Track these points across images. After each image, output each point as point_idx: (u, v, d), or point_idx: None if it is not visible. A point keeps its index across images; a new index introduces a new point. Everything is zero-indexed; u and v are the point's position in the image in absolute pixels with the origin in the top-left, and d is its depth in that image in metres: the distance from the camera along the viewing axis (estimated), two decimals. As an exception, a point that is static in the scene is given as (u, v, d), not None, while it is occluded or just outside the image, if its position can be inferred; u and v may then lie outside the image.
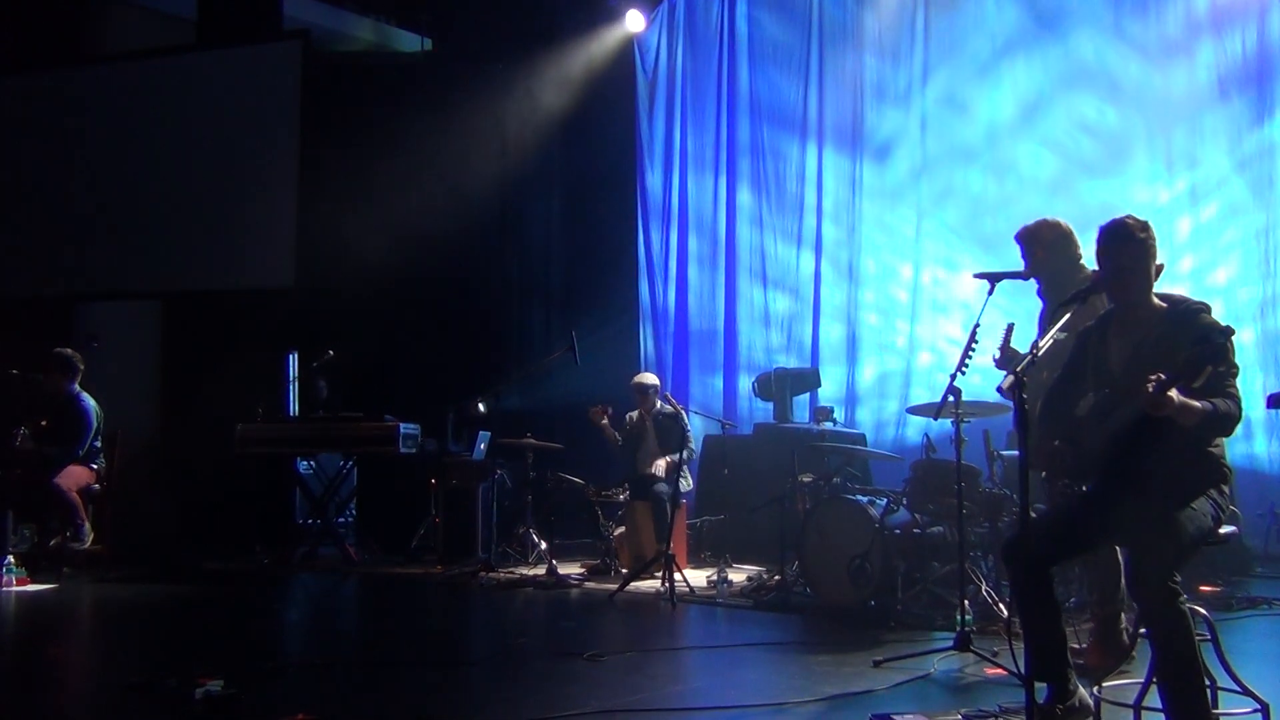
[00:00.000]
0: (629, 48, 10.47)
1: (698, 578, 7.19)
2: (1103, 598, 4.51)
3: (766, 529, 7.03)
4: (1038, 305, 4.88)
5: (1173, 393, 3.09)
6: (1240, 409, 3.32)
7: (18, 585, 6.88)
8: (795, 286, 9.45)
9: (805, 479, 6.77)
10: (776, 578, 6.60)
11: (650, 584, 6.89)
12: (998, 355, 4.66)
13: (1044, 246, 4.75)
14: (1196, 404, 3.18)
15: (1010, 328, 4.72)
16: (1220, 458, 3.47)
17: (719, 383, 9.84)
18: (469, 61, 10.71)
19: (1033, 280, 4.83)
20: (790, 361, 9.24)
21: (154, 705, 3.95)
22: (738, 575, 7.25)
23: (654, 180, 10.42)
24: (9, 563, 6.97)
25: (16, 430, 7.82)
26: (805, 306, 9.39)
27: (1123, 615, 4.41)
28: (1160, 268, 3.51)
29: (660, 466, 7.78)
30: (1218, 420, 3.25)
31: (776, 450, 7.71)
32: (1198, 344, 3.15)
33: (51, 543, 7.68)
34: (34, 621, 6.21)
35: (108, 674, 4.82)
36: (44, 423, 7.78)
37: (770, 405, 8.85)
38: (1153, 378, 3.09)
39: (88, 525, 7.68)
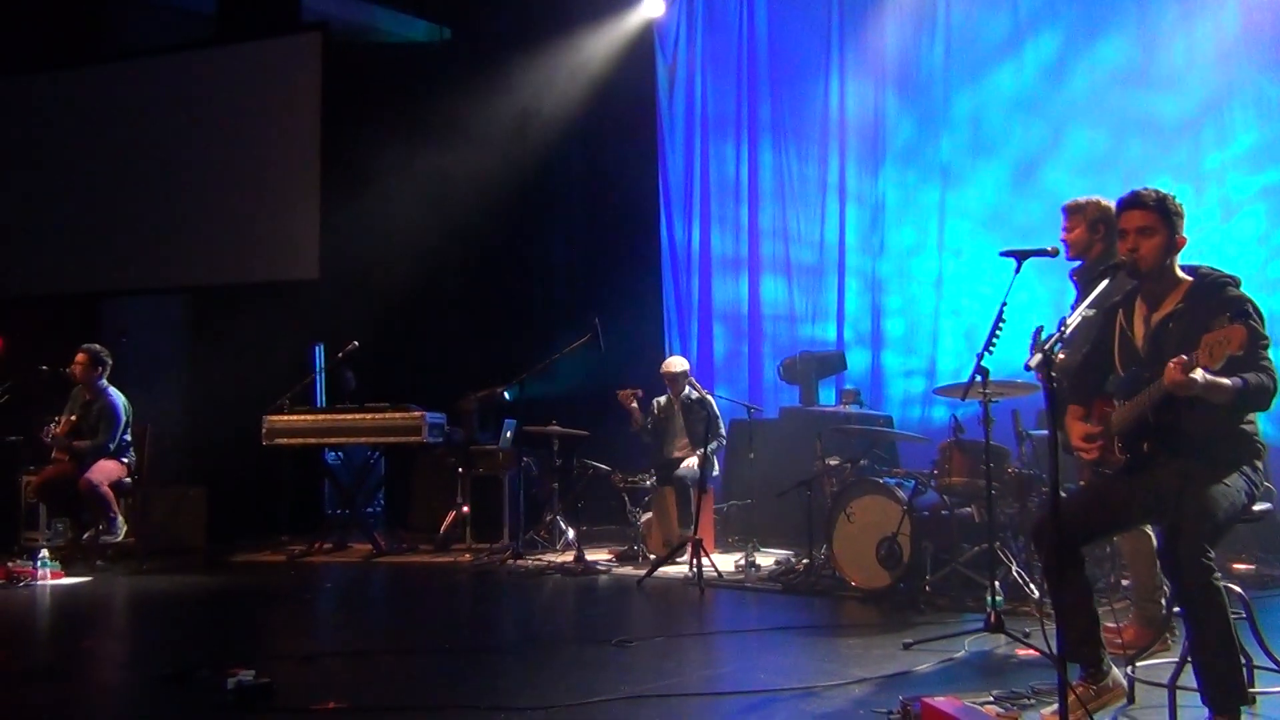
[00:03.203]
0: (648, 33, 10.43)
1: (725, 562, 7.18)
2: (1138, 577, 4.47)
3: (794, 513, 7.01)
4: (1059, 284, 4.82)
5: (1197, 372, 3.04)
6: (1276, 382, 3.26)
7: (52, 578, 6.97)
8: (820, 268, 9.39)
9: (832, 462, 6.75)
10: (804, 561, 6.58)
11: (678, 569, 6.89)
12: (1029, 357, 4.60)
13: (1087, 224, 4.67)
14: (1225, 381, 3.12)
15: (1039, 330, 4.66)
16: (1253, 434, 3.41)
17: (744, 366, 9.81)
18: (487, 50, 10.70)
19: (1061, 258, 4.77)
20: (815, 344, 9.19)
21: (187, 695, 3.98)
22: (765, 559, 7.25)
23: (675, 165, 10.37)
24: (43, 556, 7.05)
25: (47, 426, 7.91)
26: (830, 288, 9.33)
27: (1161, 598, 4.36)
28: (1183, 241, 3.45)
29: (692, 463, 7.75)
30: (1249, 396, 3.19)
31: (803, 434, 7.68)
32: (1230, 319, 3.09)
33: (85, 536, 7.76)
34: (69, 614, 6.28)
35: (141, 665, 4.86)
36: (74, 418, 7.86)
37: (796, 389, 8.82)
38: (1175, 360, 3.04)
39: (120, 518, 7.76)
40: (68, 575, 7.13)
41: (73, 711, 4.03)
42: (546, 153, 10.73)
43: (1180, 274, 3.46)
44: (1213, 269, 3.48)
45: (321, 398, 9.70)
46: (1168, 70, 7.82)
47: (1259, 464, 3.40)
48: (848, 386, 8.62)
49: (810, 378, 8.69)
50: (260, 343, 9.71)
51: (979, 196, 8.63)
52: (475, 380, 9.48)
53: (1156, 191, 3.45)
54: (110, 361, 8.01)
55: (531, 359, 8.44)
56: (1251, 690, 3.28)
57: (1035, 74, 8.40)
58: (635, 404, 8.12)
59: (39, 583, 6.87)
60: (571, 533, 8.14)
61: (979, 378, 4.69)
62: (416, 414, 8.36)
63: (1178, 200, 3.46)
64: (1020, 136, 8.47)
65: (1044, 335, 4.58)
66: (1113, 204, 4.67)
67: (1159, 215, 3.40)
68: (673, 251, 10.30)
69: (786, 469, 7.38)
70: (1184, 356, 3.03)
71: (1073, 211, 4.77)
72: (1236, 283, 3.39)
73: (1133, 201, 3.45)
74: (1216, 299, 3.32)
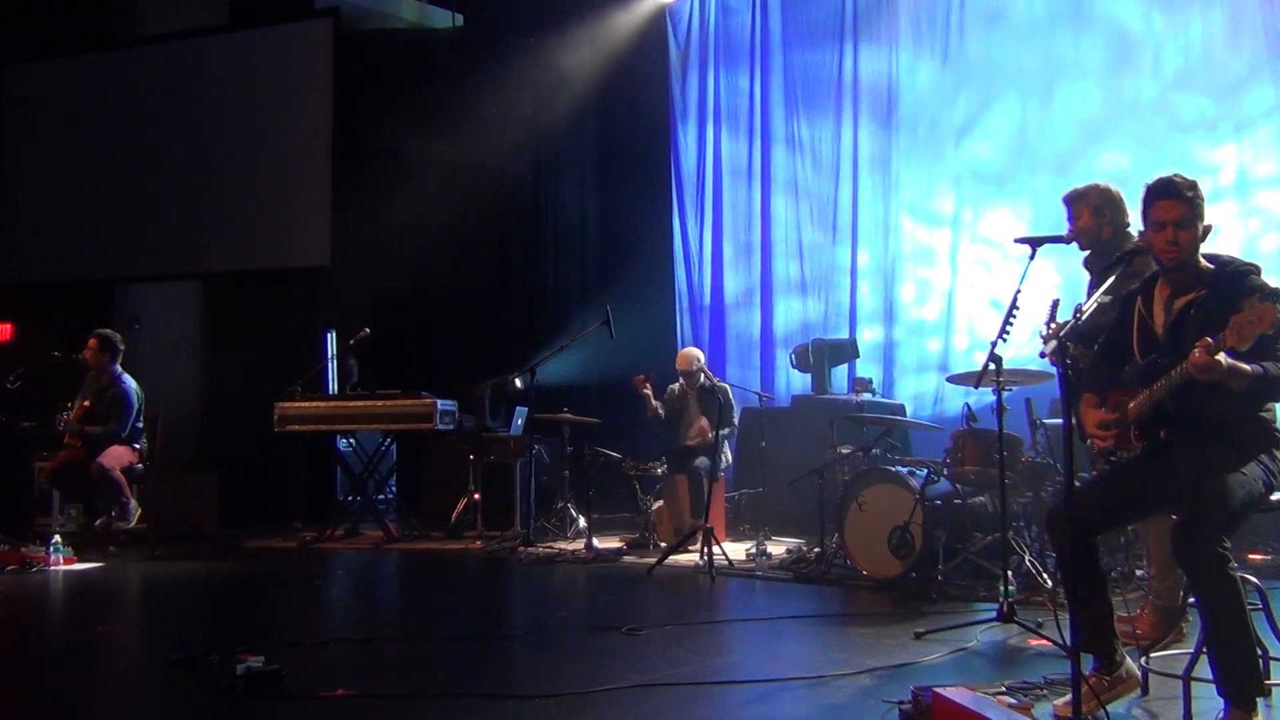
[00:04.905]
0: (660, 17, 10.38)
1: (736, 551, 7.17)
2: (1159, 570, 4.43)
3: (805, 501, 6.98)
4: (1077, 270, 4.78)
5: (1220, 356, 3.00)
6: None
7: (65, 564, 6.99)
8: (832, 254, 9.34)
9: (844, 450, 6.71)
10: (816, 550, 6.56)
11: (689, 557, 6.88)
12: (1044, 332, 4.56)
13: (1092, 210, 4.64)
14: (1246, 367, 3.09)
15: (1055, 303, 4.61)
16: (1271, 422, 3.36)
17: (755, 354, 9.77)
18: (500, 35, 10.67)
19: (1075, 245, 4.72)
20: (827, 332, 9.15)
21: (197, 681, 3.98)
22: (776, 548, 7.22)
23: (688, 152, 10.33)
24: (56, 542, 7.07)
25: (60, 414, 7.93)
26: (842, 275, 9.27)
27: (1180, 590, 4.31)
28: (1208, 229, 3.41)
29: (702, 427, 7.73)
30: (1268, 384, 3.15)
31: (815, 422, 7.64)
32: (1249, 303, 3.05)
33: (97, 522, 7.78)
34: (81, 599, 6.30)
35: (152, 650, 4.87)
36: (87, 403, 7.88)
37: (808, 377, 8.78)
38: (1201, 342, 2.99)
39: (133, 504, 7.78)
40: (80, 561, 7.15)
41: (83, 696, 4.04)
42: (558, 138, 10.71)
43: (1203, 262, 3.41)
44: (1233, 257, 3.44)
45: (333, 385, 9.72)
46: (1182, 47, 7.76)
47: (1277, 453, 3.35)
48: (860, 375, 8.58)
49: (822, 365, 8.64)
50: (272, 329, 9.72)
51: (994, 187, 8.58)
52: (487, 367, 9.49)
53: (1185, 179, 3.39)
54: (123, 347, 8.02)
55: (543, 346, 8.43)
56: (1267, 682, 3.24)
57: (1053, 50, 8.32)
58: (649, 389, 8.09)
59: (51, 568, 6.89)
60: (582, 520, 8.13)
61: (992, 365, 4.66)
62: (428, 401, 8.35)
63: (1200, 187, 3.40)
64: (1038, 118, 8.39)
65: (1060, 310, 4.54)
66: (1111, 186, 4.65)
67: (1192, 206, 3.35)
68: (684, 238, 10.26)
69: (798, 457, 7.35)
70: (1209, 339, 2.99)
71: (1074, 201, 4.72)
72: (1258, 270, 3.35)
73: (1168, 190, 3.37)
74: (1240, 285, 3.28)
